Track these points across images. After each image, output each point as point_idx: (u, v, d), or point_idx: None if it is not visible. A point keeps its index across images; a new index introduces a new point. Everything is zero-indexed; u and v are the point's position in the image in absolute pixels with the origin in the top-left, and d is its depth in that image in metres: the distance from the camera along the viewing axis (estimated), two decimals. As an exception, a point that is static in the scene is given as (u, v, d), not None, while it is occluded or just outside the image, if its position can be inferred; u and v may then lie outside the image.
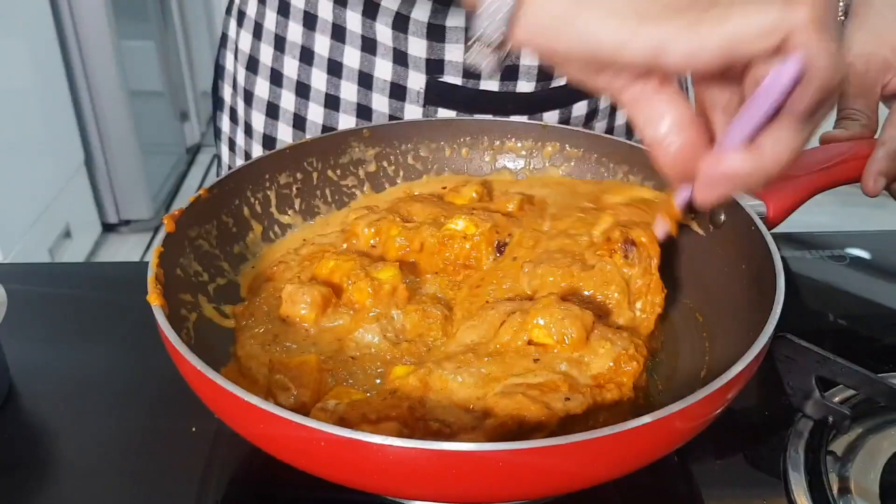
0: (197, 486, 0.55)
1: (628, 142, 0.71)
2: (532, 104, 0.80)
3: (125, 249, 2.57)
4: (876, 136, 0.66)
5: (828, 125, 0.67)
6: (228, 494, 0.55)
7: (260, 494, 0.55)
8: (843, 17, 0.71)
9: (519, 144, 0.74)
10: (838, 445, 0.58)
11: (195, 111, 3.08)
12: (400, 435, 0.45)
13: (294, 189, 0.69)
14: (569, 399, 0.48)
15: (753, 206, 0.59)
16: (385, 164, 0.73)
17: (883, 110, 0.68)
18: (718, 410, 0.45)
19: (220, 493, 0.55)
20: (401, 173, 0.74)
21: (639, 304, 0.58)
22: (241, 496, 0.56)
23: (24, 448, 0.59)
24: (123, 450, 0.59)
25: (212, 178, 0.61)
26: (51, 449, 0.59)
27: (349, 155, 0.71)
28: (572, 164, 0.73)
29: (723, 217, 0.61)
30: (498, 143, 0.74)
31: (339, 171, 0.71)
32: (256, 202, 0.66)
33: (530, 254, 0.61)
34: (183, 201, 0.59)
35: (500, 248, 0.63)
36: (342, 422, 0.47)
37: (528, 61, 0.78)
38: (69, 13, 2.26)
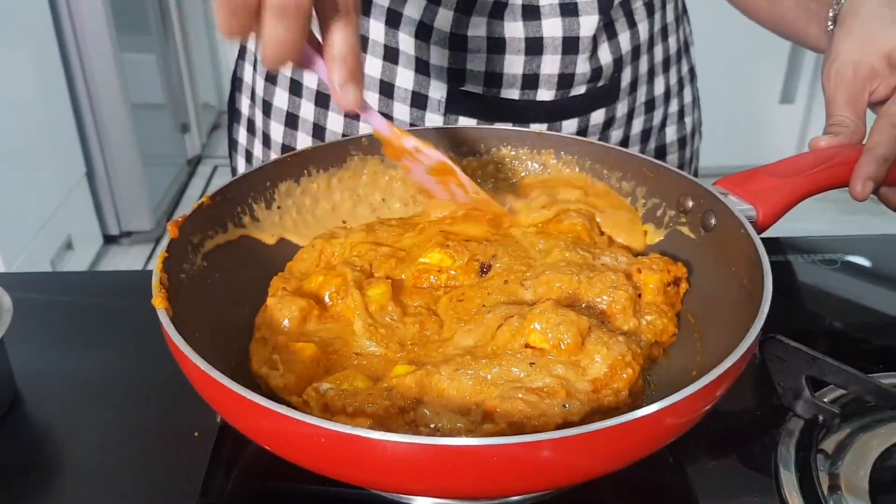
0: (200, 488, 0.56)
1: (621, 148, 0.72)
2: (551, 113, 0.81)
3: (126, 261, 2.58)
4: (864, 142, 0.67)
5: (817, 130, 0.69)
6: (232, 495, 0.56)
7: (263, 495, 0.56)
8: (831, 27, 0.73)
9: (514, 153, 0.75)
10: (828, 444, 0.58)
11: (196, 123, 3.10)
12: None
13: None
14: (566, 406, 0.49)
15: (743, 210, 0.60)
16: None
17: (870, 116, 0.69)
18: (708, 406, 0.46)
19: (224, 494, 0.56)
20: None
21: (649, 317, 0.59)
22: (244, 497, 0.56)
23: (30, 452, 0.59)
24: (127, 453, 0.60)
25: (212, 190, 0.62)
26: (56, 453, 0.60)
27: (349, 163, 0.72)
28: (567, 171, 0.74)
29: (714, 221, 0.63)
30: (494, 150, 0.75)
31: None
32: (259, 209, 0.67)
33: (523, 275, 0.62)
34: (184, 213, 0.60)
35: (485, 268, 0.63)
36: (325, 408, 0.49)
37: (548, 70, 0.78)
38: (71, 26, 2.28)
